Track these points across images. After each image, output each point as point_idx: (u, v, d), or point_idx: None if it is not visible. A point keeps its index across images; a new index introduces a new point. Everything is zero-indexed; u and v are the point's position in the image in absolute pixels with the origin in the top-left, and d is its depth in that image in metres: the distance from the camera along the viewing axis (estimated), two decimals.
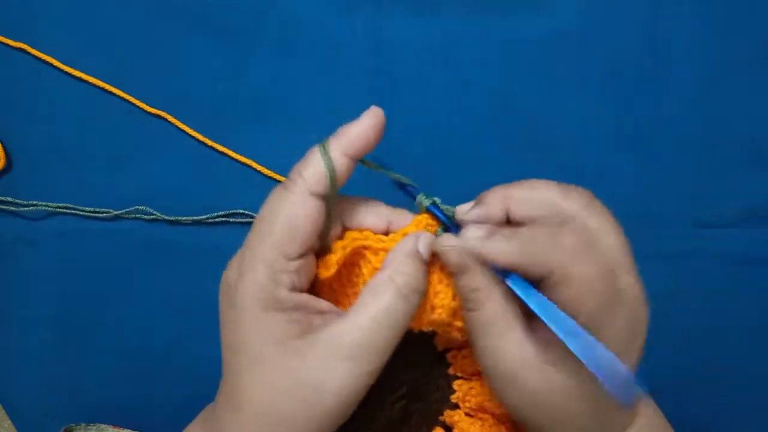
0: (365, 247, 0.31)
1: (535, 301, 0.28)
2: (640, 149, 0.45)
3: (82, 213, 0.45)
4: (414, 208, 0.33)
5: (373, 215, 0.32)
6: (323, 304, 0.32)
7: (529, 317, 0.30)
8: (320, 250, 0.33)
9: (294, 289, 0.30)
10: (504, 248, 0.29)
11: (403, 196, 0.33)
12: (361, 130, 0.30)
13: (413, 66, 0.45)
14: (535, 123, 0.45)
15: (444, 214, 0.32)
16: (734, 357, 0.44)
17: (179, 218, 0.44)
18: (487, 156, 0.45)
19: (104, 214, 0.45)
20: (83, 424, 0.42)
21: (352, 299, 0.33)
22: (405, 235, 0.31)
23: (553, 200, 0.30)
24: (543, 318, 0.27)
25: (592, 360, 0.26)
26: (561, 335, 0.27)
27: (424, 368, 0.37)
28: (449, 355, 0.37)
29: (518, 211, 0.30)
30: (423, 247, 0.30)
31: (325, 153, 0.30)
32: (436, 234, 0.32)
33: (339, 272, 0.33)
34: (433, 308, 0.31)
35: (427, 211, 0.32)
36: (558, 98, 0.45)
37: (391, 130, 0.45)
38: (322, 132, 0.45)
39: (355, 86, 0.45)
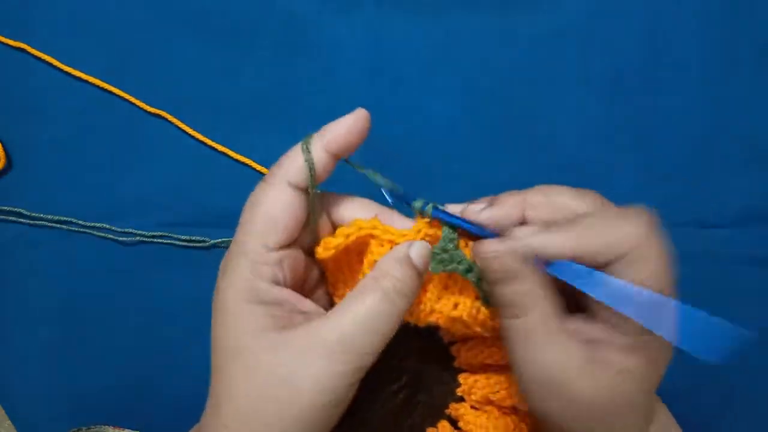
0: (372, 236, 0.31)
1: (596, 284, 0.27)
2: (641, 149, 0.45)
3: (83, 226, 0.45)
4: (403, 210, 0.32)
5: (360, 211, 0.32)
6: (307, 304, 0.31)
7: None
8: (310, 246, 0.33)
9: (277, 282, 0.30)
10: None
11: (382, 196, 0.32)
12: (343, 128, 0.30)
13: (413, 66, 0.45)
14: (535, 122, 0.45)
15: (454, 217, 0.30)
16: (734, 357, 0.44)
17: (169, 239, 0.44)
18: (487, 156, 0.45)
19: (103, 229, 0.45)
20: (83, 429, 0.42)
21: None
22: (418, 232, 0.31)
23: (567, 203, 0.30)
24: (609, 300, 0.26)
25: (682, 324, 0.25)
26: (633, 312, 0.25)
27: (428, 360, 0.37)
28: (453, 349, 0.37)
29: (534, 214, 0.30)
30: (415, 254, 0.30)
31: (306, 147, 0.31)
32: (441, 233, 0.31)
33: (349, 260, 0.33)
34: (432, 311, 0.31)
35: (433, 216, 0.31)
36: (558, 98, 0.45)
37: (392, 130, 0.45)
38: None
39: (355, 86, 0.45)
